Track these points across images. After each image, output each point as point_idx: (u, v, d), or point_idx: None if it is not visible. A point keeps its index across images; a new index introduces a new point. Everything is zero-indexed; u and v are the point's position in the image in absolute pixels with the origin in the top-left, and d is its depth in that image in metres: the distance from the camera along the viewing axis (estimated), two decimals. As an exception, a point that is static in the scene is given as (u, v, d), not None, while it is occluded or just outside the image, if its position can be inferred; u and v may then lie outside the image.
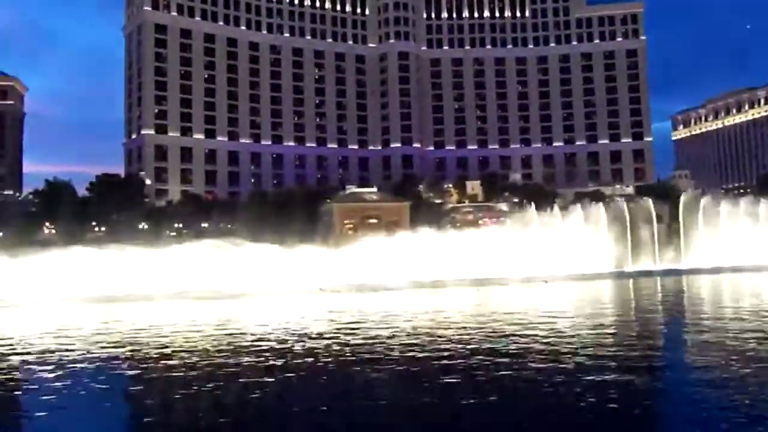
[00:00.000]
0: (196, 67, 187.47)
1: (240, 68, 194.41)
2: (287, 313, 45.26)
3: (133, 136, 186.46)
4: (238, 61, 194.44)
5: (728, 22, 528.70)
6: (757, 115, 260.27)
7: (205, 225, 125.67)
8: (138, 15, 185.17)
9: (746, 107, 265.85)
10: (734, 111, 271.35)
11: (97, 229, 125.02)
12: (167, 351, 27.14)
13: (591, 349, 23.80)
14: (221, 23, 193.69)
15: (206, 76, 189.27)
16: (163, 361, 24.62)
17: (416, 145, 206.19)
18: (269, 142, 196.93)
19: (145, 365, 24.49)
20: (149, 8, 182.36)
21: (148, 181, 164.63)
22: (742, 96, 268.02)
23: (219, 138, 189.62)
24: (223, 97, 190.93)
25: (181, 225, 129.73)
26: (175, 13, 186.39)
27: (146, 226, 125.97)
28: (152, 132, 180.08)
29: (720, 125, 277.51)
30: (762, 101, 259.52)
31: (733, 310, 37.27)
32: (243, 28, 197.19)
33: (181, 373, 21.94)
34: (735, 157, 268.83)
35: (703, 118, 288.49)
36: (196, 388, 19.78)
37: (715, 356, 22.21)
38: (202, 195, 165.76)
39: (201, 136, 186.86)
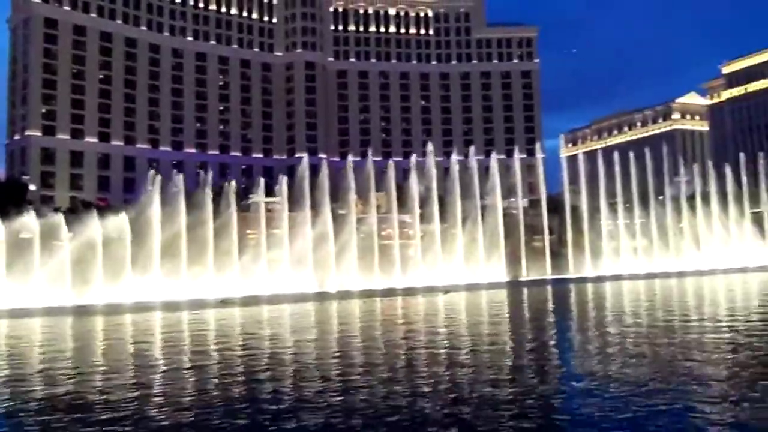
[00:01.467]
0: (90, 66, 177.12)
1: (139, 70, 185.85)
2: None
3: (17, 137, 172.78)
4: (137, 63, 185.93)
5: (617, 47, 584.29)
6: (634, 137, 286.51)
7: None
8: (25, 7, 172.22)
9: (626, 128, 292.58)
10: (616, 132, 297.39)
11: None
12: None
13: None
14: (119, 22, 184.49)
15: (101, 76, 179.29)
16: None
17: (322, 155, 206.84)
18: (169, 148, 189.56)
19: None
20: (38, 0, 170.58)
21: (32, 187, 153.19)
22: (622, 118, 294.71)
23: (114, 142, 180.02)
24: (119, 100, 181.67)
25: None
26: (67, 8, 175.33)
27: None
28: (38, 133, 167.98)
29: (604, 144, 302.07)
30: (639, 124, 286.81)
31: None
32: (143, 28, 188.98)
33: None
34: (619, 173, 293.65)
35: (588, 137, 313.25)
36: None
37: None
38: (94, 202, 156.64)
39: (94, 140, 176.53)
